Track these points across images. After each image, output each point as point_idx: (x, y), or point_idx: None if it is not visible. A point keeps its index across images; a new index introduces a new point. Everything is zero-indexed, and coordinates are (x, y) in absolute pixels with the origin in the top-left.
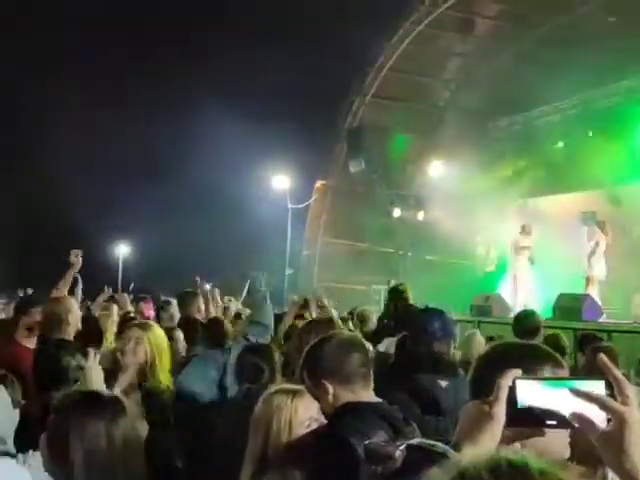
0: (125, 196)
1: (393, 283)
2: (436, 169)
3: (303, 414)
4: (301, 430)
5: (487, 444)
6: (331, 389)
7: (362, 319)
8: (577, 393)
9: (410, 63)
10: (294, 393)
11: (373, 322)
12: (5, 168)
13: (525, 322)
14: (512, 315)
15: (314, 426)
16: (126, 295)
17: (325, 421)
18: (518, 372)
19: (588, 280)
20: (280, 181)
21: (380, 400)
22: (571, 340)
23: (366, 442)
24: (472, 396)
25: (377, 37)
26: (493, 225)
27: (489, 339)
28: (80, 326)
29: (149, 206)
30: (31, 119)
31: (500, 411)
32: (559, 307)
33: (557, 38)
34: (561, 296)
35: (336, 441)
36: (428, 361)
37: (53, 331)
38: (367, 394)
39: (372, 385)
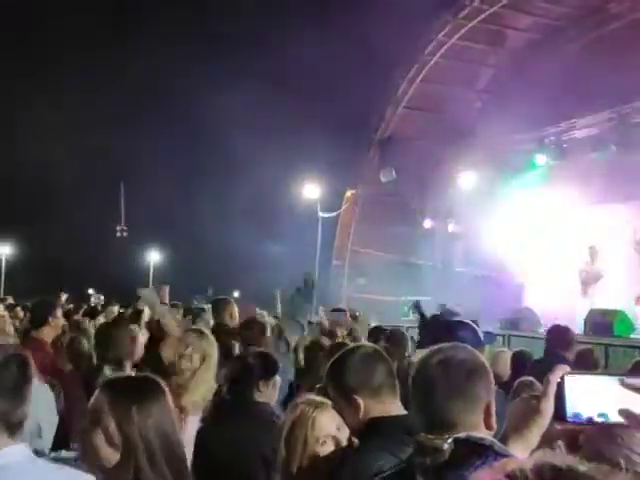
0: (157, 204)
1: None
2: (467, 180)
3: (319, 431)
4: (316, 447)
5: (534, 438)
6: (362, 403)
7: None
8: (630, 385)
9: (442, 74)
10: (316, 407)
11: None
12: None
13: (557, 336)
14: (542, 330)
15: (329, 444)
16: (167, 288)
17: (343, 440)
18: (566, 368)
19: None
20: (310, 190)
21: (406, 413)
22: (602, 355)
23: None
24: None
25: (410, 49)
26: (524, 237)
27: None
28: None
29: (180, 213)
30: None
31: (548, 406)
32: (590, 322)
33: (590, 51)
34: (592, 311)
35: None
36: None
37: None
38: (396, 406)
39: (399, 396)
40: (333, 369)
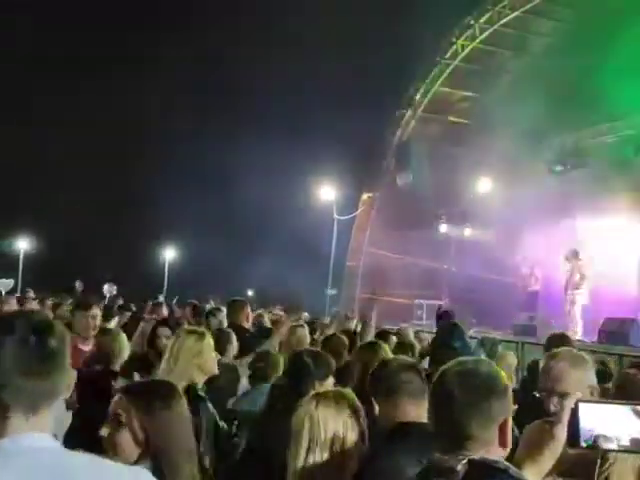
0: (173, 202)
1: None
2: (484, 186)
3: (327, 426)
4: (321, 436)
5: (547, 462)
6: (400, 405)
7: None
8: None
9: (462, 79)
10: (319, 401)
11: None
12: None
13: (554, 344)
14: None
15: (332, 433)
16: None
17: (348, 433)
18: (579, 395)
19: None
20: (327, 192)
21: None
22: (617, 366)
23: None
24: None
25: (429, 52)
26: (540, 244)
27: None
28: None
29: (197, 212)
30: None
31: (561, 432)
32: (604, 331)
33: (612, 57)
34: (607, 320)
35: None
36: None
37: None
38: (425, 413)
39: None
40: (377, 374)
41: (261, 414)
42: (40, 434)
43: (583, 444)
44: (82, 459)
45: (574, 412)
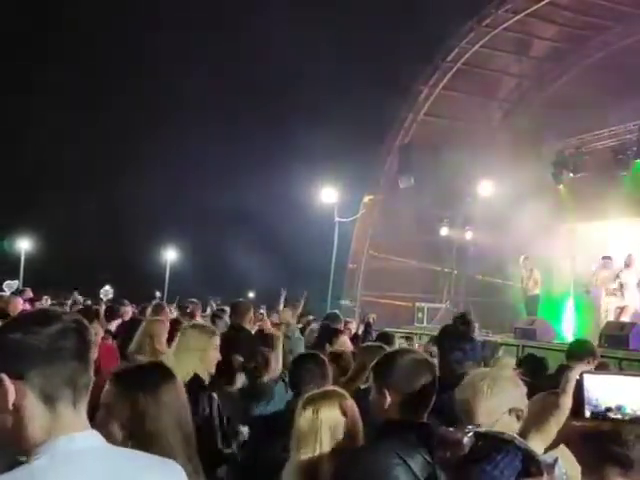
0: (175, 203)
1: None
2: (486, 189)
3: (324, 423)
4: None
5: (552, 432)
6: (389, 399)
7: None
8: None
9: (464, 82)
10: (319, 400)
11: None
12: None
13: (574, 348)
14: (556, 341)
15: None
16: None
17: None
18: (585, 367)
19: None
20: (328, 194)
21: (425, 421)
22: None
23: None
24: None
25: (432, 55)
26: (541, 248)
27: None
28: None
29: (198, 214)
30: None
31: (566, 402)
32: (605, 335)
33: (615, 61)
34: (608, 324)
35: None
36: (455, 381)
37: None
38: (421, 414)
39: (429, 408)
40: (380, 362)
41: (264, 418)
42: (92, 431)
43: (588, 415)
44: (132, 457)
45: (579, 383)
